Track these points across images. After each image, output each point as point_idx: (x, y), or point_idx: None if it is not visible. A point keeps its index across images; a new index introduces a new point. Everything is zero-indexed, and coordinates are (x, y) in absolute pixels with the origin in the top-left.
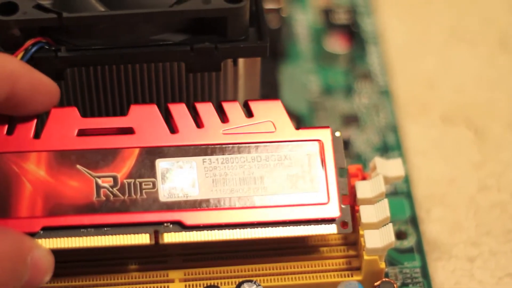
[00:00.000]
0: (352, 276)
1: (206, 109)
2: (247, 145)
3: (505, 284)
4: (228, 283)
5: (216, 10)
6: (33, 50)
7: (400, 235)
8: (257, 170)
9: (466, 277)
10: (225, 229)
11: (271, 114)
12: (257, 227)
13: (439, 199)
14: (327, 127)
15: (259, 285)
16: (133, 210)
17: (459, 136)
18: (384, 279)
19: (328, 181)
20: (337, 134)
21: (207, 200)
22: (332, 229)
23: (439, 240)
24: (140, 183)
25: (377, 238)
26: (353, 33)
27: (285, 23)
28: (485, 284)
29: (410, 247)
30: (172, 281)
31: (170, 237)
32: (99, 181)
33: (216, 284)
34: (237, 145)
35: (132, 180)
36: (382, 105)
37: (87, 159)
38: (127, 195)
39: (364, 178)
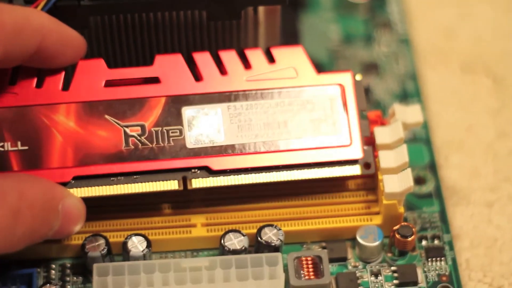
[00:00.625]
0: (371, 220)
1: (229, 57)
2: (270, 91)
3: None
4: (249, 227)
5: None
6: None
7: (418, 181)
8: (281, 115)
9: (484, 222)
10: (250, 173)
11: (293, 60)
12: (282, 170)
13: (457, 146)
14: (348, 70)
15: (279, 229)
16: (161, 158)
17: (477, 84)
18: (403, 223)
19: (350, 123)
20: (358, 77)
21: (233, 146)
22: (355, 170)
23: (458, 186)
24: (167, 131)
25: (396, 183)
26: None
27: None
28: (503, 228)
29: (429, 192)
30: (195, 225)
31: (198, 183)
32: (127, 130)
33: (237, 228)
34: (261, 91)
35: (160, 128)
36: (401, 53)
37: (115, 109)
38: (155, 143)
39: (383, 124)
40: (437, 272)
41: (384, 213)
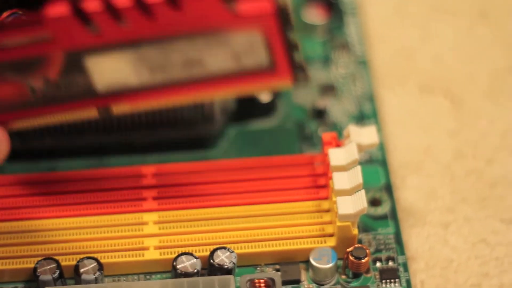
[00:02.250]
0: (325, 242)
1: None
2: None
3: (478, 250)
4: (202, 250)
5: None
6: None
7: (374, 202)
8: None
9: (439, 243)
10: None
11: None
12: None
13: (414, 167)
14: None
15: (232, 251)
16: (73, 100)
17: (436, 105)
18: (357, 245)
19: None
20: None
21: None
22: None
23: (414, 207)
24: (75, 79)
25: (350, 205)
26: (331, 4)
27: None
28: (458, 249)
29: (384, 214)
30: (147, 248)
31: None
32: (31, 83)
33: (190, 251)
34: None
35: (66, 78)
36: (359, 75)
37: (13, 69)
38: (63, 91)
39: (338, 146)
40: None
41: (338, 235)
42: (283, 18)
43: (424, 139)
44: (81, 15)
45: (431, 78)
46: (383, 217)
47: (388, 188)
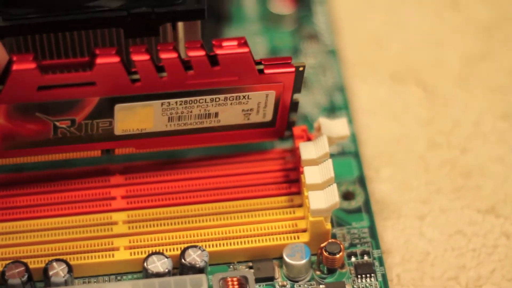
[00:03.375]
0: (298, 238)
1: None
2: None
3: (455, 241)
4: (173, 249)
5: None
6: None
7: (348, 196)
8: (213, 107)
9: (415, 235)
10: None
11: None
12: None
13: (388, 158)
14: (292, 66)
15: (204, 250)
16: (89, 142)
17: (408, 94)
18: (330, 240)
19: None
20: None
21: (161, 132)
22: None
23: (388, 200)
24: (97, 123)
25: (322, 199)
26: None
27: None
28: (434, 241)
29: (358, 207)
30: (117, 249)
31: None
32: (57, 123)
33: (161, 250)
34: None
35: (90, 121)
36: (329, 65)
37: (46, 108)
38: (83, 132)
39: (309, 139)
40: None
41: (311, 230)
42: (297, 80)
43: (397, 129)
44: (126, 65)
45: (403, 66)
46: (357, 211)
47: (362, 181)
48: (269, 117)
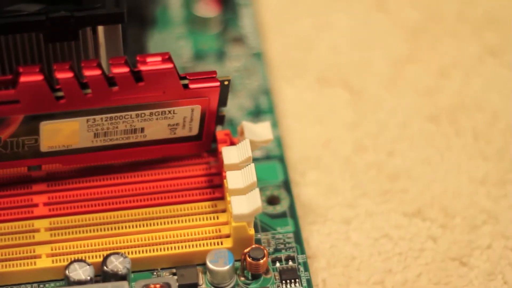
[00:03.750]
0: (222, 244)
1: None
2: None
3: (381, 245)
4: (95, 256)
5: None
6: None
7: (272, 200)
8: (139, 123)
9: (341, 240)
10: None
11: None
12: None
13: (314, 162)
14: (217, 81)
15: (126, 256)
16: (14, 159)
17: (334, 97)
18: (254, 246)
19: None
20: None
21: (86, 148)
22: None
23: (314, 203)
24: (23, 140)
25: (244, 204)
26: None
27: None
28: (361, 245)
29: (283, 211)
30: (39, 256)
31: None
32: None
33: (84, 257)
34: (124, 106)
35: (15, 139)
36: (254, 68)
37: None
38: (9, 149)
39: (233, 144)
40: None
41: (234, 235)
42: (222, 94)
43: (323, 133)
44: (50, 83)
45: (329, 69)
46: (282, 215)
47: (287, 185)
48: (195, 131)
